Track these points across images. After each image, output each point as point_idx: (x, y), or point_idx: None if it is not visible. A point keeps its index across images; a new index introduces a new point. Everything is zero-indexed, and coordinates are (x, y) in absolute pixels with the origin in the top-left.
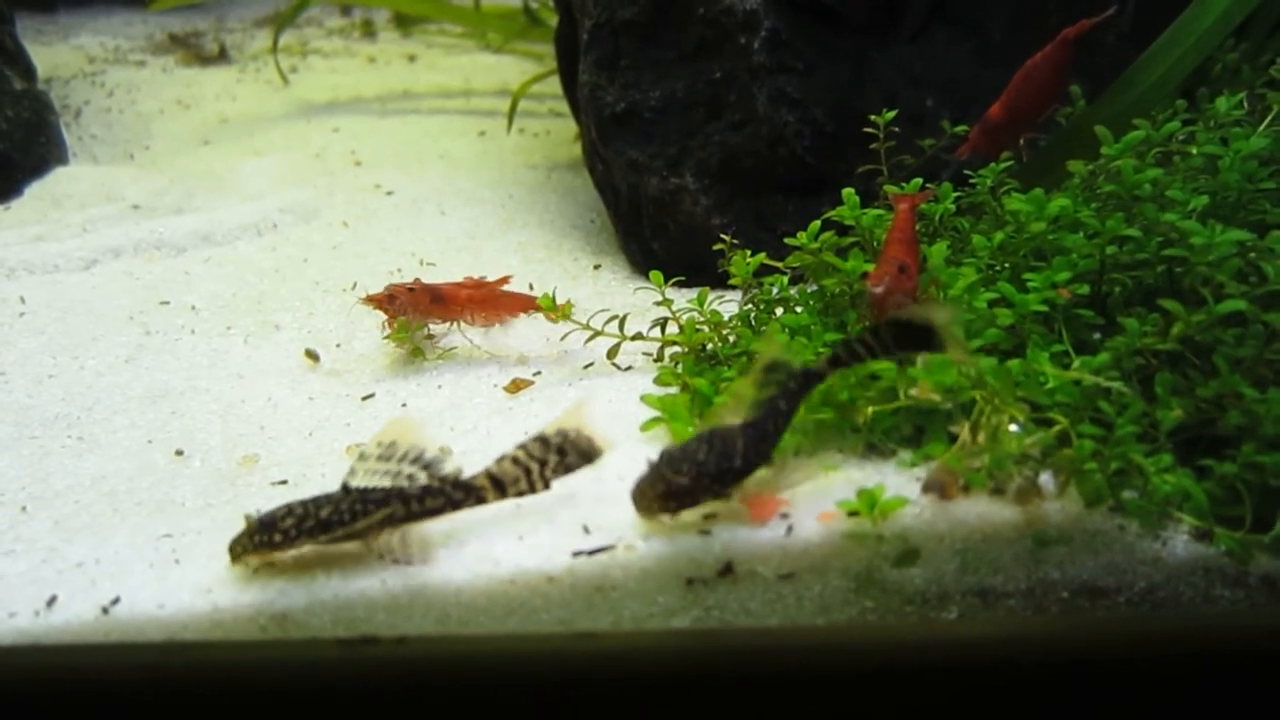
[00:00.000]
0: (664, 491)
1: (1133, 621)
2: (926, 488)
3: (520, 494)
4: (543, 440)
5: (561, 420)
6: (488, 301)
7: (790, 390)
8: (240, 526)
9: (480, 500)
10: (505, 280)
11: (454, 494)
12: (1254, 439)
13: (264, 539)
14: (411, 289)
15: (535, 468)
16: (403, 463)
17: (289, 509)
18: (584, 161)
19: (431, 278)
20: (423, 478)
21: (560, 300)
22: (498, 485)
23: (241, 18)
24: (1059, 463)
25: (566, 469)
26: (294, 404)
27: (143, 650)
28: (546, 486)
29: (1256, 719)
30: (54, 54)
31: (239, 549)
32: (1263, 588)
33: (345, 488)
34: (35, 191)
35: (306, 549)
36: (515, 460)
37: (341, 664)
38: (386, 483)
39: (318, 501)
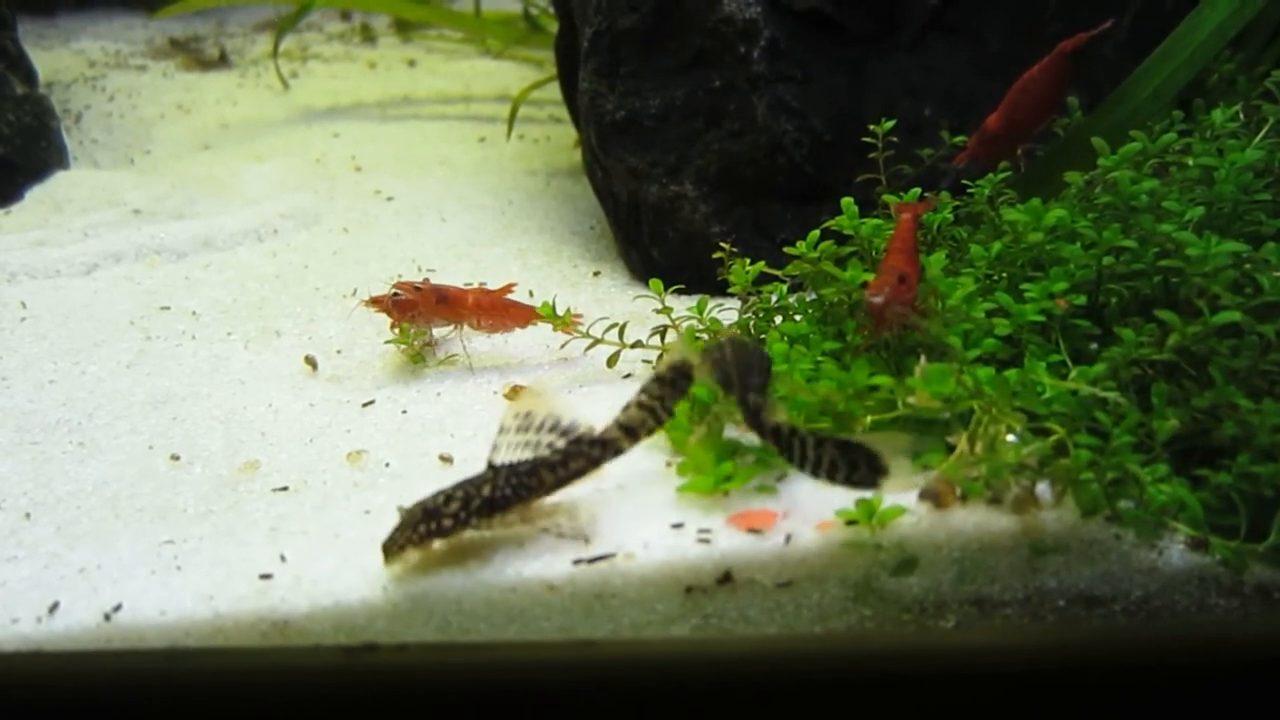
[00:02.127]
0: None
1: (1128, 630)
2: (922, 496)
3: (650, 433)
4: (659, 379)
5: (668, 359)
6: (494, 309)
7: (570, 453)
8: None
9: (618, 451)
10: (509, 289)
11: (592, 451)
12: (1249, 449)
13: (431, 527)
14: (418, 287)
15: (656, 405)
16: (540, 431)
17: (447, 496)
18: (584, 168)
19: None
20: (560, 444)
21: (560, 308)
22: (630, 432)
23: (242, 22)
24: (1056, 472)
25: (680, 394)
26: (295, 410)
27: (145, 657)
28: (671, 415)
29: None
30: (55, 58)
31: (402, 541)
32: (1257, 597)
33: (491, 465)
34: (36, 196)
35: (464, 535)
36: (640, 405)
37: (342, 671)
38: (528, 454)
39: (473, 483)
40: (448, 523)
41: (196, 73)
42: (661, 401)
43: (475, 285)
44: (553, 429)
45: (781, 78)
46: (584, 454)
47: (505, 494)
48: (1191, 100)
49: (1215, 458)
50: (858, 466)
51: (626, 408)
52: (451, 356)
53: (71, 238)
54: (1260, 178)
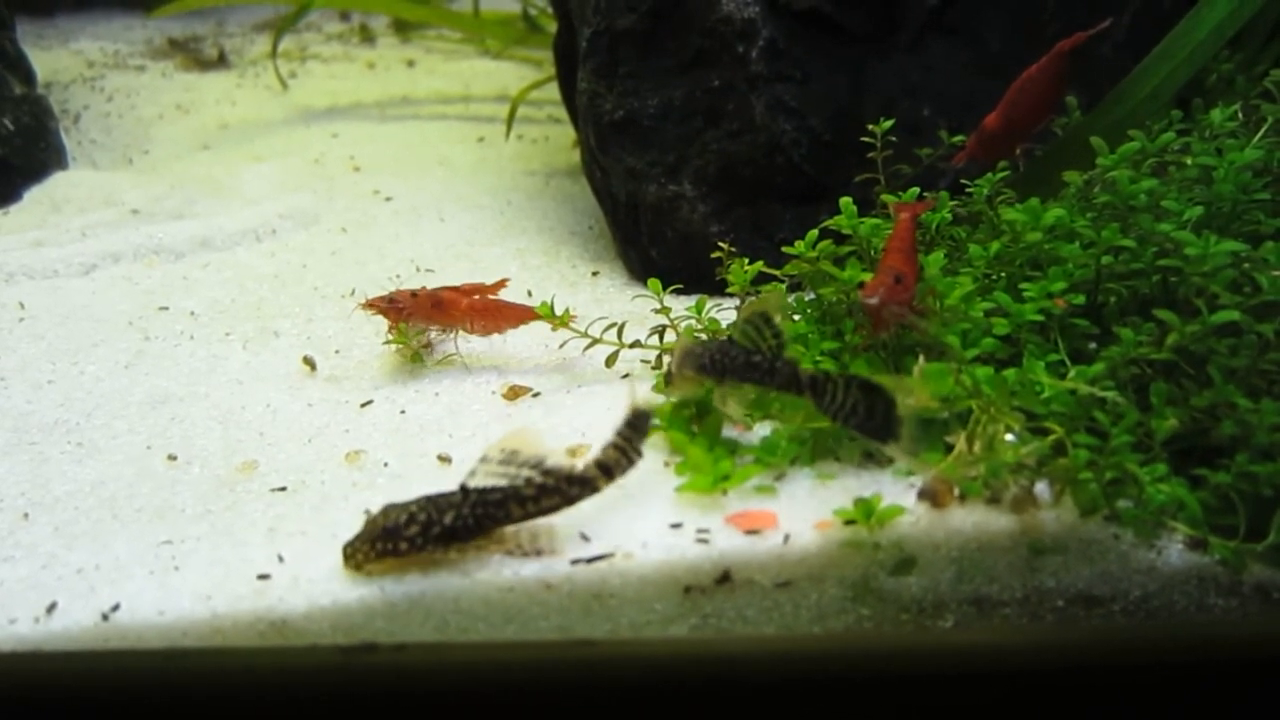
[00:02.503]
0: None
1: (1127, 630)
2: (920, 496)
3: (624, 472)
4: (626, 423)
5: (629, 405)
6: (489, 311)
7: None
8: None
9: (594, 490)
10: (502, 284)
11: (569, 490)
12: (1247, 449)
13: (387, 547)
14: (414, 294)
15: (626, 446)
16: (521, 468)
17: (410, 516)
18: (582, 168)
19: (430, 284)
20: (533, 477)
21: (559, 308)
22: (606, 471)
23: (241, 22)
24: (1054, 472)
25: (642, 437)
26: (293, 410)
27: (143, 657)
28: (640, 455)
29: None
30: (53, 58)
31: (360, 556)
32: (1256, 596)
33: (464, 489)
34: (35, 196)
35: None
36: (615, 446)
37: (341, 671)
38: (503, 483)
39: (439, 506)
40: (404, 545)
41: (195, 73)
42: (630, 443)
43: (471, 283)
44: (534, 467)
45: (780, 77)
46: (560, 491)
47: (468, 524)
48: (1190, 100)
49: (1214, 457)
50: (874, 416)
51: (605, 447)
52: (450, 356)
53: (70, 238)
54: (1259, 177)
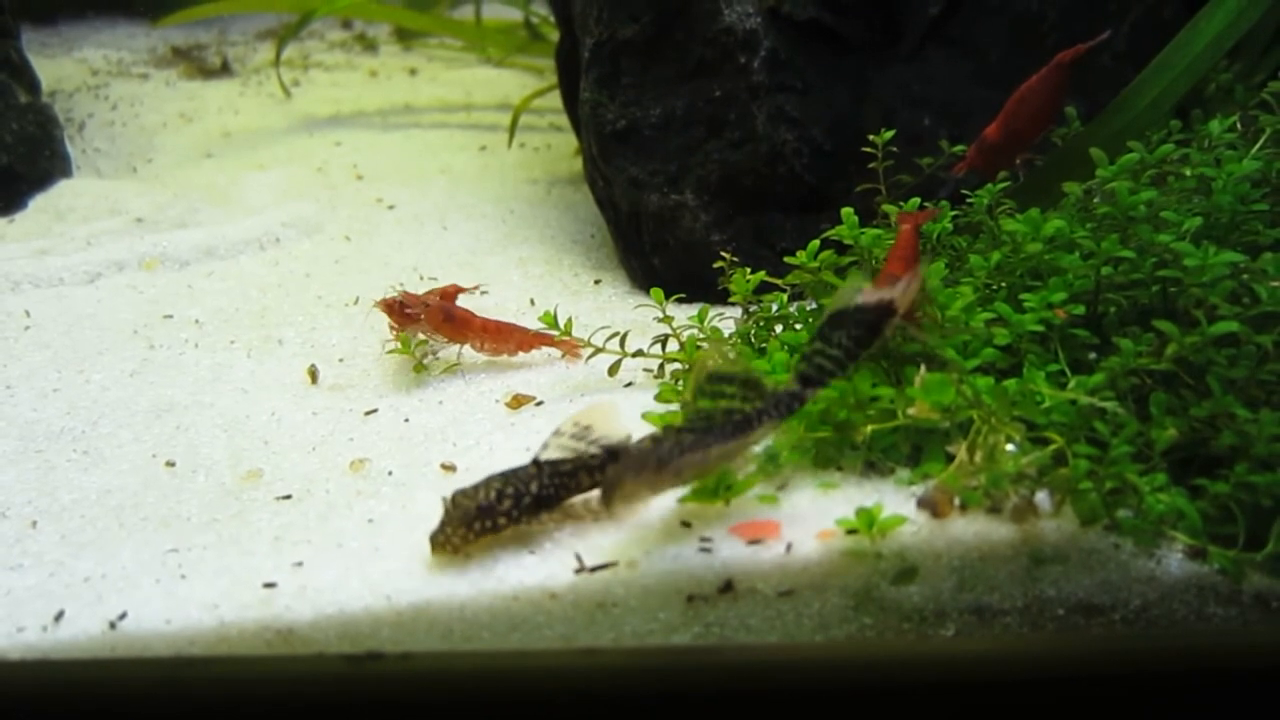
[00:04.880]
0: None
1: (1127, 639)
2: (920, 505)
3: None
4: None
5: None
6: (501, 333)
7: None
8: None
9: None
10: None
11: None
12: (1246, 459)
13: (486, 524)
14: (428, 303)
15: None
16: (591, 444)
17: (499, 492)
18: (584, 177)
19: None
20: (598, 451)
21: (561, 316)
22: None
23: (244, 31)
24: (1055, 482)
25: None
26: (297, 419)
27: (149, 665)
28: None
29: None
30: (57, 67)
31: (457, 539)
32: (1255, 605)
33: (536, 462)
34: (39, 204)
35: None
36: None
37: (347, 679)
38: (566, 454)
39: (520, 479)
40: (501, 520)
41: (199, 81)
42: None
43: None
44: (602, 445)
45: (782, 87)
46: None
47: (550, 492)
48: (1190, 110)
49: (1213, 467)
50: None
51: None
52: (454, 366)
53: (74, 246)
54: (1257, 188)
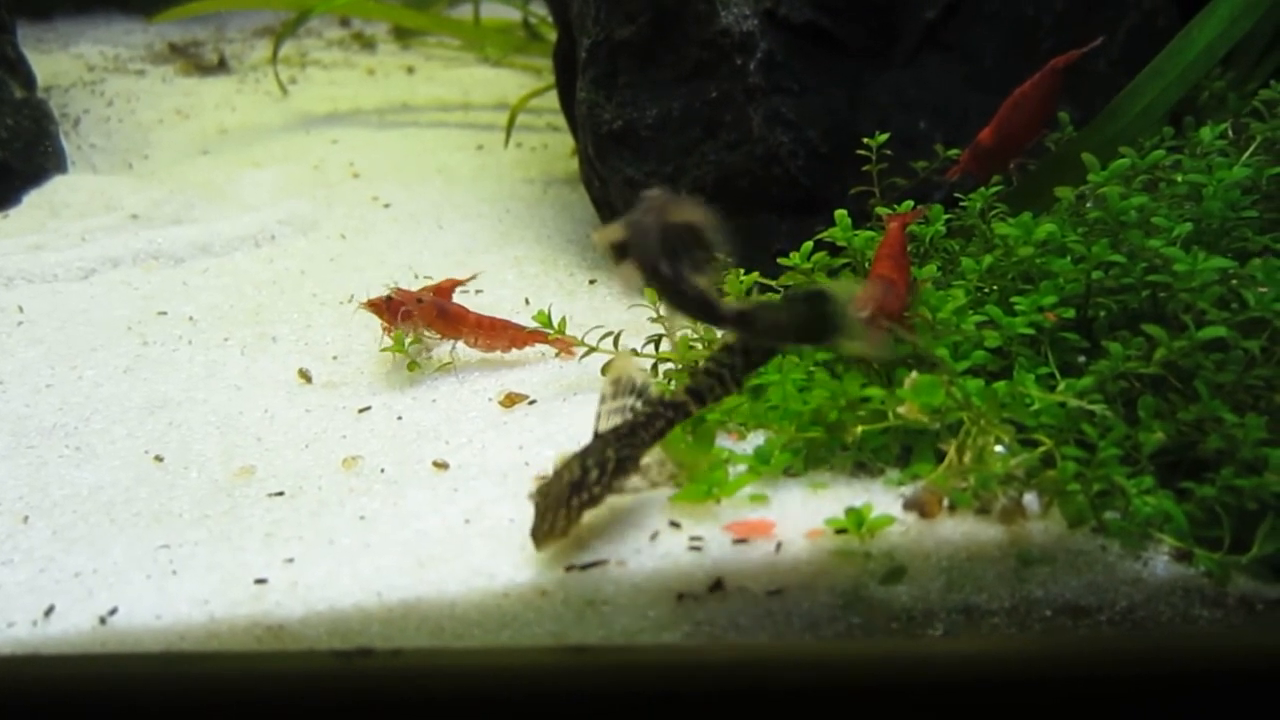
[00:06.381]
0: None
1: (1114, 640)
2: (908, 506)
3: (717, 399)
4: (728, 348)
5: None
6: (494, 329)
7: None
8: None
9: (687, 414)
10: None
11: (667, 413)
12: (1233, 463)
13: (584, 499)
14: (420, 300)
15: (725, 373)
16: (628, 396)
17: (584, 468)
18: (581, 177)
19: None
20: (639, 405)
21: (556, 316)
22: (698, 397)
23: (241, 28)
24: (1043, 483)
25: (751, 367)
26: (290, 416)
27: (140, 661)
28: (739, 388)
29: None
30: (53, 62)
31: (562, 523)
32: (1240, 608)
33: (598, 434)
34: (34, 200)
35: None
36: (708, 371)
37: (337, 676)
38: (619, 419)
39: (597, 450)
40: (597, 490)
41: (195, 78)
42: (730, 370)
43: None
44: (633, 391)
45: (778, 90)
46: (662, 415)
47: (625, 454)
48: (1183, 117)
49: (1200, 470)
50: (810, 321)
51: (694, 374)
52: (447, 364)
53: (69, 242)
54: (1247, 194)
